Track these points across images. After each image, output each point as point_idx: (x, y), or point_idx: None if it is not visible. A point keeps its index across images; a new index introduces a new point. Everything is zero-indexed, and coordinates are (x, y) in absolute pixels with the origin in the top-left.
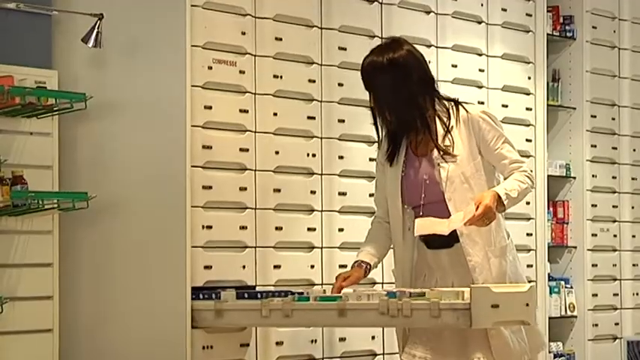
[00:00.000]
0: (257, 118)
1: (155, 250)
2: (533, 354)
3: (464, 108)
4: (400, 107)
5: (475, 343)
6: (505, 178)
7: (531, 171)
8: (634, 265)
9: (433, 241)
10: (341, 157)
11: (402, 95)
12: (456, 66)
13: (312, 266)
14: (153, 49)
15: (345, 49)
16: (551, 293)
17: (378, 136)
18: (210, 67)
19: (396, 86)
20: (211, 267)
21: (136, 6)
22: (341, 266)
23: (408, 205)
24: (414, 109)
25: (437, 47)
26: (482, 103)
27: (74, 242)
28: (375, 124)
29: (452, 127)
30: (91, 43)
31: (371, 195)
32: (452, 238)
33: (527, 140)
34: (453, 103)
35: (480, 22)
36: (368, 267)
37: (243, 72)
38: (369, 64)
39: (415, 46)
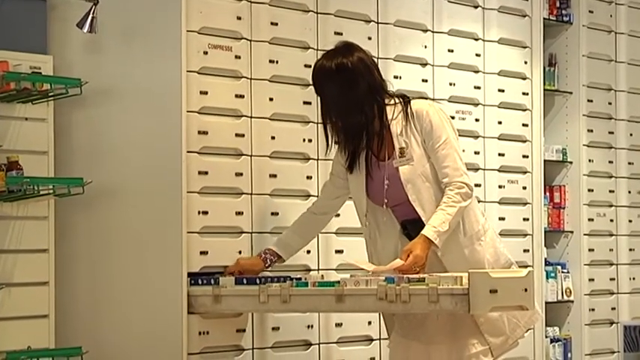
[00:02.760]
0: (253, 103)
1: (151, 235)
2: (528, 324)
3: (410, 105)
4: (346, 113)
5: (465, 328)
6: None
7: (461, 184)
8: (631, 249)
9: (415, 233)
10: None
11: (349, 101)
12: (452, 51)
13: (309, 252)
14: (148, 35)
15: (341, 34)
16: (547, 278)
17: (327, 142)
18: (205, 53)
19: (342, 92)
20: (207, 252)
21: None
22: (337, 251)
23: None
24: (360, 115)
25: (433, 32)
26: (479, 88)
27: (70, 228)
28: (325, 128)
29: (403, 127)
30: (86, 28)
31: None
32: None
33: (523, 125)
34: (403, 102)
35: (476, 7)
36: (272, 259)
37: (239, 57)
38: (317, 69)
39: (412, 30)
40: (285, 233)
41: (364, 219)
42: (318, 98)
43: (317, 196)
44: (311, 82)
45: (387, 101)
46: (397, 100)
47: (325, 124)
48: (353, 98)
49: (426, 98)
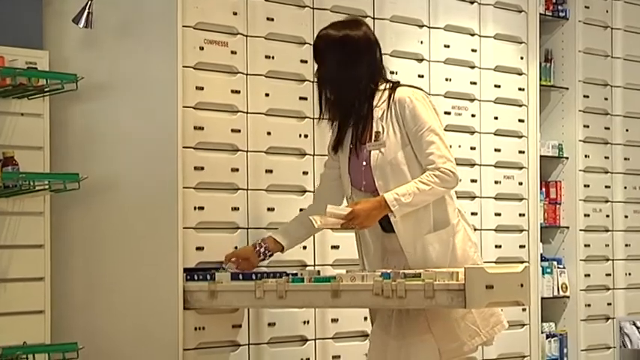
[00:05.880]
0: (249, 98)
1: (147, 231)
2: (490, 333)
3: (395, 92)
4: (341, 87)
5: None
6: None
7: (445, 170)
8: (626, 245)
9: (387, 225)
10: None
11: (347, 75)
12: (448, 46)
13: (305, 247)
14: (144, 30)
15: None
16: (543, 274)
17: (321, 111)
18: (201, 48)
19: (342, 64)
20: (203, 248)
21: None
22: (333, 247)
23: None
24: (355, 91)
25: (429, 27)
26: (475, 83)
27: (65, 223)
28: (320, 97)
29: (383, 112)
30: (82, 23)
31: None
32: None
33: (519, 120)
34: (390, 87)
35: (472, 2)
36: (267, 252)
37: (235, 52)
38: (322, 36)
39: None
40: (289, 222)
41: (349, 201)
42: (316, 66)
43: (312, 192)
44: (312, 48)
45: (380, 86)
46: (387, 86)
47: (320, 93)
48: (350, 73)
49: (419, 88)
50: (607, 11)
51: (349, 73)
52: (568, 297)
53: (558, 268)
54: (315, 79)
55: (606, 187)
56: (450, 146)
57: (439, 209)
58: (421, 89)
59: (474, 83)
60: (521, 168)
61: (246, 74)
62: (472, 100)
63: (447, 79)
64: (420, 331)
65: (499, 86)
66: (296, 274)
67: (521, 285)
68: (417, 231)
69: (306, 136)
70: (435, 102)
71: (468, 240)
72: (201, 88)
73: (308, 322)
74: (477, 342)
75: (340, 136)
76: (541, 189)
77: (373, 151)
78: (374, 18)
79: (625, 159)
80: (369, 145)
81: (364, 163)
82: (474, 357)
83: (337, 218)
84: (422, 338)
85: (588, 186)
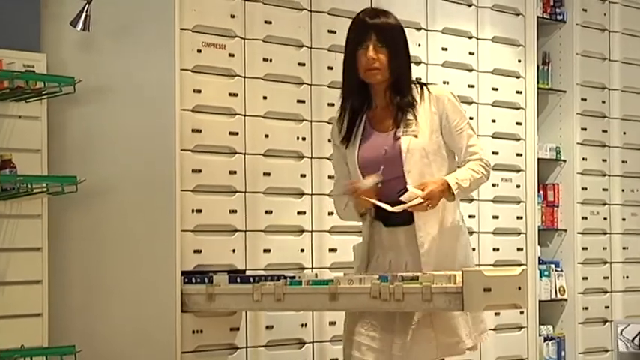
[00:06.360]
0: (246, 101)
1: (145, 234)
2: (478, 339)
3: (428, 88)
4: (408, 71)
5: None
6: (459, 166)
7: (487, 162)
8: (624, 248)
9: (391, 219)
10: (330, 141)
11: (409, 60)
12: (446, 49)
13: (302, 250)
14: (142, 33)
15: (334, 32)
16: (541, 276)
17: (348, 98)
18: (199, 51)
19: (407, 48)
20: (201, 251)
21: None
22: (331, 250)
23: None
24: (410, 75)
25: (427, 30)
26: (472, 86)
27: (63, 226)
28: (345, 93)
29: (415, 103)
30: (80, 26)
31: None
32: (410, 216)
33: (517, 123)
34: (417, 83)
35: (470, 5)
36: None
37: (233, 55)
38: (389, 18)
39: (405, 28)
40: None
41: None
42: (382, 48)
43: (310, 194)
44: (370, 28)
45: None
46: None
47: (351, 78)
48: (410, 59)
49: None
50: (604, 14)
51: (409, 58)
52: (566, 300)
53: (556, 270)
54: (347, 62)
55: (604, 189)
56: None
57: (453, 208)
58: None
59: (472, 86)
60: (518, 171)
61: (244, 77)
62: (470, 102)
63: (444, 82)
64: (422, 324)
65: (497, 89)
66: (294, 277)
67: (519, 288)
68: (435, 227)
69: (303, 138)
70: None
71: (468, 241)
72: (199, 91)
73: (306, 324)
74: (468, 344)
75: (351, 129)
76: (539, 192)
77: (404, 137)
78: None
79: (622, 162)
80: (399, 131)
81: (384, 150)
82: None
83: (414, 199)
84: (422, 331)
85: (586, 189)
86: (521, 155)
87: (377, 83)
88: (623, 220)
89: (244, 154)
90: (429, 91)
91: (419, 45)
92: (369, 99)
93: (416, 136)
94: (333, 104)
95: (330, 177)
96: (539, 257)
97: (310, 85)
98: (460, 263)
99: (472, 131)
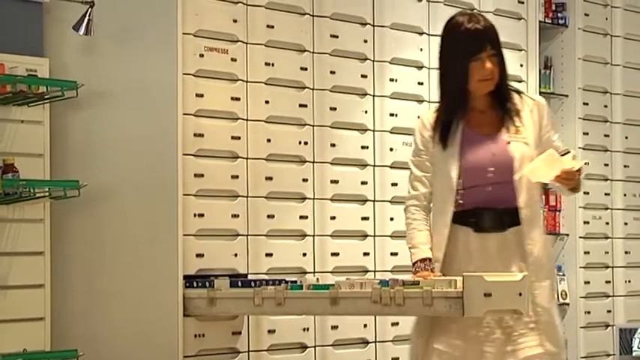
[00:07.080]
0: (249, 105)
1: (147, 238)
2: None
3: (528, 96)
4: (507, 76)
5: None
6: None
7: None
8: (626, 252)
9: (485, 224)
10: (333, 145)
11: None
12: None
13: (304, 254)
14: (144, 37)
15: (336, 37)
16: None
17: (460, 102)
18: (201, 55)
19: (502, 55)
20: (203, 255)
21: None
22: (333, 254)
23: (463, 187)
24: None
25: (429, 35)
26: None
27: (66, 230)
28: (445, 92)
29: (520, 110)
30: (82, 30)
31: (363, 183)
32: (505, 223)
33: None
34: (516, 91)
35: (472, 10)
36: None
37: (235, 60)
38: (492, 24)
39: (407, 33)
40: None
41: (455, 197)
42: (492, 53)
43: (312, 199)
44: (483, 35)
45: None
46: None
47: (456, 88)
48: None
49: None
50: (606, 19)
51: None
52: (568, 304)
53: (558, 275)
54: (450, 65)
55: (606, 194)
56: None
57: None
58: None
59: None
60: None
61: (246, 81)
62: None
63: None
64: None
65: None
66: (295, 282)
67: (520, 294)
68: (538, 233)
69: (305, 143)
70: None
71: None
72: (201, 96)
73: (308, 329)
74: (563, 357)
75: (446, 130)
76: (541, 196)
77: (515, 142)
78: (373, 25)
79: (625, 166)
80: (508, 136)
81: (493, 153)
82: None
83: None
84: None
85: (588, 193)
86: None
87: None
88: (625, 224)
89: (246, 158)
90: (531, 99)
91: (421, 49)
92: (466, 103)
93: (527, 143)
94: (335, 108)
95: (332, 181)
96: None
97: (312, 89)
98: (551, 273)
99: (560, 142)
